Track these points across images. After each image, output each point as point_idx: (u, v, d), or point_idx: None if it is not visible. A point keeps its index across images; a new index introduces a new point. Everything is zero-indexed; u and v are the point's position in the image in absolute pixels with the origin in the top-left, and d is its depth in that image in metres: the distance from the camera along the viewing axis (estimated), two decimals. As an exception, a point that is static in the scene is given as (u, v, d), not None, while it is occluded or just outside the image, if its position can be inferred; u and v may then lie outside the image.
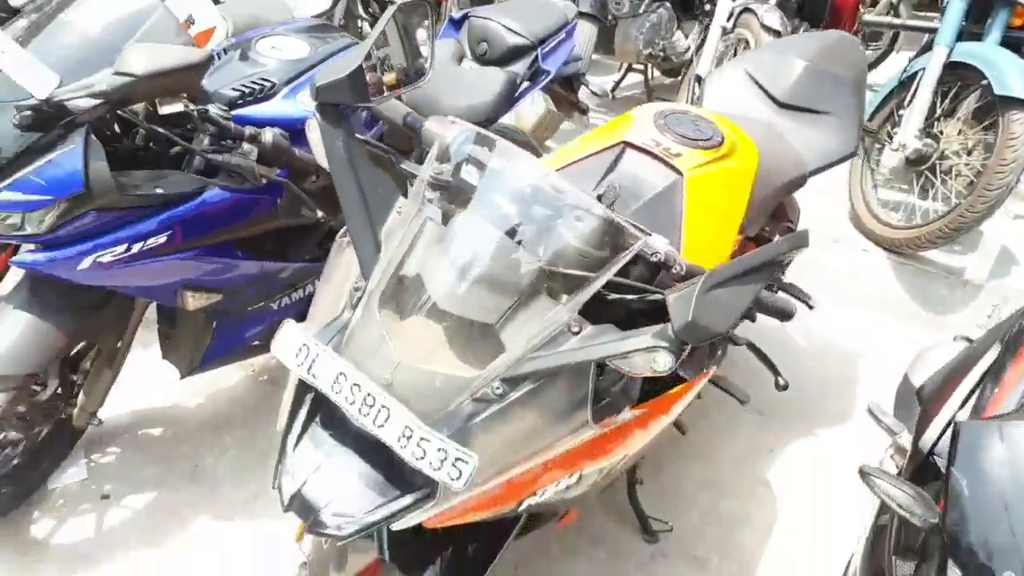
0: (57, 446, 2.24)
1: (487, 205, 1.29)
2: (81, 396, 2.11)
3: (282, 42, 2.12)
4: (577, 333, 1.23)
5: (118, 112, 1.81)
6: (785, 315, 1.49)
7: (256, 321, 2.23)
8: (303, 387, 1.34)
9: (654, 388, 1.55)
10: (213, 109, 1.83)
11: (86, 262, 1.76)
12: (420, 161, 1.41)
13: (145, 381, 2.54)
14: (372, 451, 1.28)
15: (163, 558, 2.10)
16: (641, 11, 4.50)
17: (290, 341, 1.23)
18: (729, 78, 2.34)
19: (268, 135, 1.87)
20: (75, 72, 1.66)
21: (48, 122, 1.64)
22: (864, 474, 1.22)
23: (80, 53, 1.71)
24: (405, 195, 1.40)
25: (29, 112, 1.60)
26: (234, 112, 1.91)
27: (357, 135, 1.41)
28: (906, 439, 1.88)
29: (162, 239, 1.82)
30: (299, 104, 2.02)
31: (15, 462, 2.14)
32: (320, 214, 2.04)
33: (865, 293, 3.36)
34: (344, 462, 1.29)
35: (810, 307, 1.94)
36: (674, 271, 1.31)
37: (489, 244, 1.26)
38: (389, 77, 1.49)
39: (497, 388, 1.21)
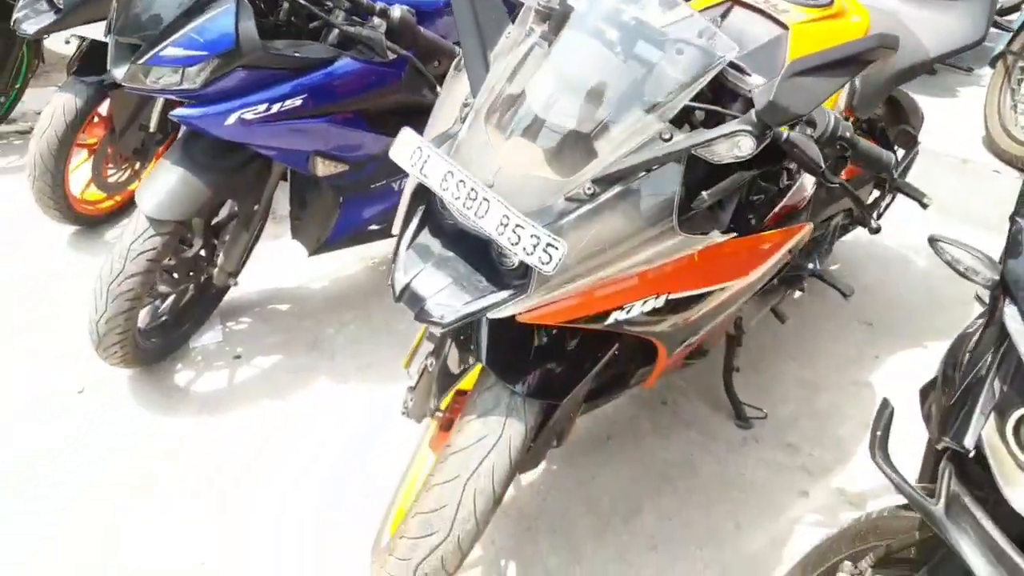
0: (199, 309, 2.49)
1: (592, 22, 1.38)
2: (221, 257, 2.35)
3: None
4: (668, 140, 1.31)
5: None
6: (880, 164, 1.50)
7: (378, 200, 2.41)
8: (417, 197, 1.47)
9: None
10: None
11: (232, 118, 1.96)
12: None
13: (275, 264, 2.78)
14: (473, 255, 1.41)
15: (288, 411, 2.30)
16: None
17: (406, 145, 1.37)
18: None
19: (397, 11, 2.02)
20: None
21: (208, -12, 1.85)
22: (932, 240, 1.26)
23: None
24: (513, 22, 1.52)
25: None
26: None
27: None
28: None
29: (297, 102, 2.00)
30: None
31: (163, 318, 2.41)
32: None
33: (989, 214, 3.25)
34: (448, 262, 1.41)
35: (924, 205, 1.92)
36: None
37: (594, 59, 1.36)
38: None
39: (588, 188, 1.29)
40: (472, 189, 1.28)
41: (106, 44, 2.06)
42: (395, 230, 1.49)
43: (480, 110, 1.40)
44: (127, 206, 3.09)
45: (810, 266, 2.20)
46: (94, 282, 2.10)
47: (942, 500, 1.21)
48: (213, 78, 1.91)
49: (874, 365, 2.59)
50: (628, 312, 1.45)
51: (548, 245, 1.23)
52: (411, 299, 1.39)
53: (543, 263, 1.24)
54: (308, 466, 2.14)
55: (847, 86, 1.95)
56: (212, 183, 2.09)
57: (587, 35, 1.38)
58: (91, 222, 3.00)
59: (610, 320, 1.45)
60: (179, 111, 1.96)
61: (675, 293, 1.49)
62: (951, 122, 3.65)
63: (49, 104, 2.65)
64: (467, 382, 1.71)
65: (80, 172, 2.88)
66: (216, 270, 2.35)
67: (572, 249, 1.26)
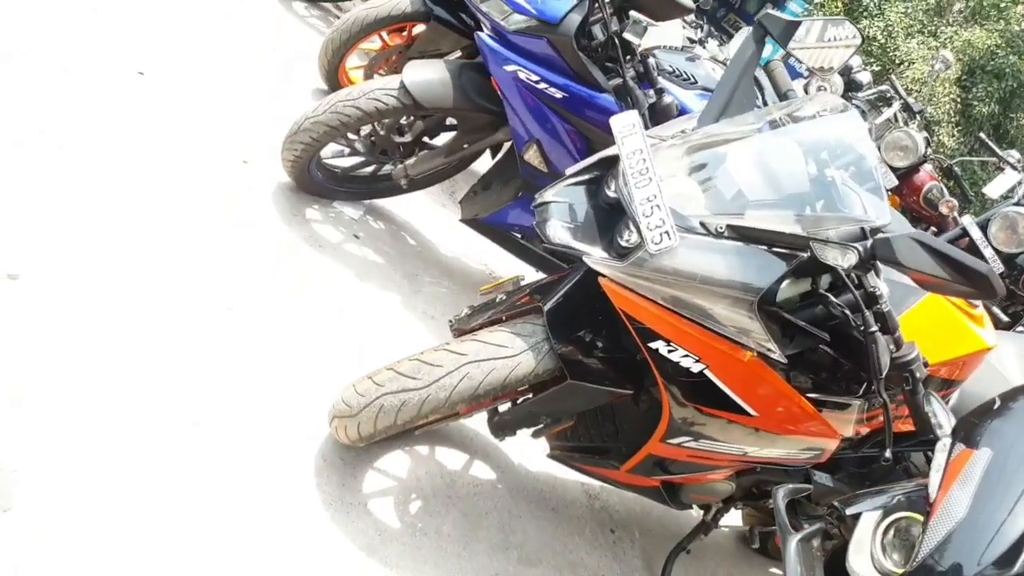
0: (363, 186, 2.87)
1: (806, 135, 1.70)
2: (412, 159, 2.73)
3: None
4: None
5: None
6: (925, 426, 1.62)
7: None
8: (601, 163, 1.78)
9: None
10: (652, 59, 2.46)
11: (511, 67, 2.40)
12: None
13: (432, 208, 3.16)
14: (604, 224, 1.69)
15: (367, 298, 2.60)
16: None
17: (627, 118, 1.69)
18: None
19: (667, 99, 2.44)
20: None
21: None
22: None
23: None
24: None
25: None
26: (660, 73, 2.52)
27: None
28: None
29: (558, 95, 2.42)
30: (699, 105, 2.59)
31: (338, 170, 2.79)
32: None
33: None
34: (583, 210, 1.70)
35: None
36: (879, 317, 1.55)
37: (790, 156, 1.67)
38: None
39: (721, 227, 1.57)
40: (647, 167, 1.58)
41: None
42: (568, 171, 1.80)
43: (689, 141, 1.73)
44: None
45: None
46: (329, 94, 2.52)
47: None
48: (525, 32, 2.36)
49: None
50: (670, 351, 1.66)
51: (666, 233, 1.51)
52: (542, 211, 1.68)
53: (654, 243, 1.51)
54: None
55: None
56: (459, 100, 2.50)
57: (796, 141, 1.70)
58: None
59: (655, 344, 1.67)
60: (483, 34, 2.42)
61: (711, 372, 1.69)
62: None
63: (388, -1, 3.22)
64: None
65: (362, 55, 3.41)
66: (401, 167, 2.73)
67: (677, 255, 1.52)
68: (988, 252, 3.63)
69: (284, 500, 1.82)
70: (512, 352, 1.73)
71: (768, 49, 1.94)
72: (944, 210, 4.57)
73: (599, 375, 1.79)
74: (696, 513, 2.48)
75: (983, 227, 3.68)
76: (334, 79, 3.39)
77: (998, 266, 3.62)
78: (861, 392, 1.79)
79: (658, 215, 1.52)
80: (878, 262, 1.49)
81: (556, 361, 1.75)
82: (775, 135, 1.72)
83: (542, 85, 2.41)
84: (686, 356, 1.67)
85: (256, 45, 3.48)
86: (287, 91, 3.32)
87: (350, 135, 2.54)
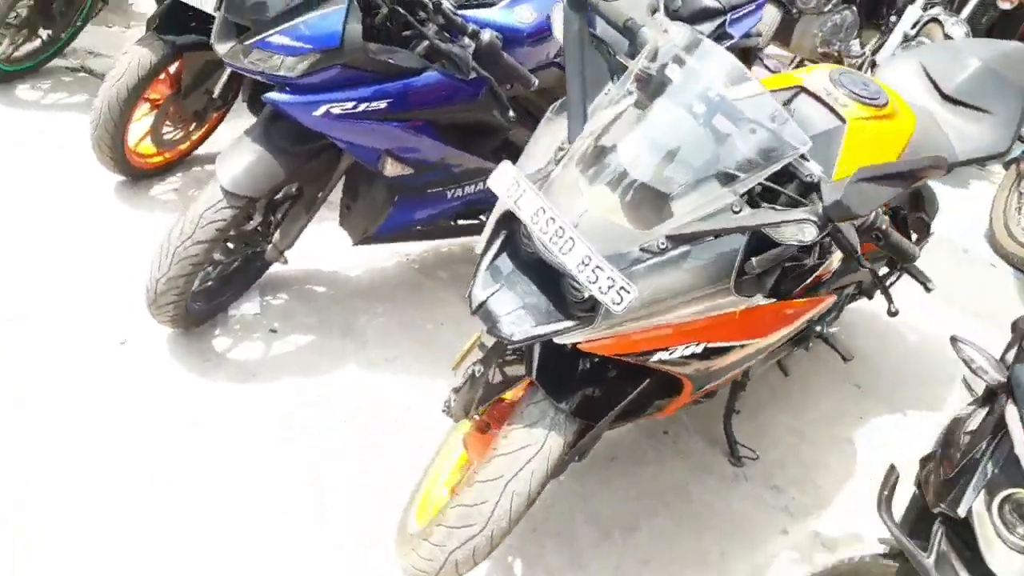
0: (242, 278, 2.61)
1: (683, 95, 1.55)
2: (277, 234, 2.48)
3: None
4: (737, 212, 1.47)
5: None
6: (905, 256, 1.67)
7: (430, 204, 2.56)
8: (502, 223, 1.63)
9: None
10: (446, 3, 2.15)
11: (320, 110, 2.10)
12: (632, 57, 1.68)
13: (317, 247, 2.89)
14: (545, 282, 1.58)
15: (321, 388, 2.44)
16: (827, 9, 4.70)
17: (505, 177, 1.51)
18: (902, 64, 2.54)
19: (487, 35, 2.17)
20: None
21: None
22: (954, 340, 1.48)
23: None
24: (613, 81, 1.68)
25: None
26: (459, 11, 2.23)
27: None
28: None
29: (382, 104, 2.15)
30: (515, 16, 2.33)
31: (209, 283, 2.52)
32: (512, 114, 2.34)
33: (980, 303, 3.49)
34: (522, 286, 1.59)
35: (928, 289, 2.08)
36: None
37: (680, 127, 1.52)
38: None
39: (662, 243, 1.46)
40: (560, 227, 1.44)
41: (186, 6, 2.23)
42: (478, 250, 1.64)
43: (574, 156, 1.56)
44: (175, 163, 3.20)
45: (819, 329, 2.39)
46: (161, 241, 2.22)
47: (933, 555, 1.44)
48: (311, 70, 2.05)
49: (857, 424, 2.79)
50: (671, 354, 1.63)
51: (622, 288, 1.40)
52: (486, 315, 1.55)
53: (615, 303, 1.41)
54: (335, 440, 2.28)
55: None
56: (288, 166, 2.23)
57: (678, 105, 1.54)
58: (137, 175, 3.09)
59: (655, 357, 1.62)
60: (272, 95, 2.10)
61: (712, 343, 1.67)
62: (958, 211, 3.89)
63: (125, 55, 2.76)
64: (511, 393, 1.87)
65: (139, 125, 2.97)
66: (270, 246, 2.48)
67: (640, 294, 1.42)
68: None
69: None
70: (537, 445, 1.66)
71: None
72: None
73: (617, 398, 1.75)
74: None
75: None
76: (125, 165, 2.98)
77: None
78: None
79: (603, 275, 1.41)
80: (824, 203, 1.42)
81: (577, 421, 1.70)
82: (656, 111, 1.55)
83: (361, 107, 2.13)
84: (686, 347, 1.63)
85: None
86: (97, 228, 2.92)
87: (205, 264, 2.27)
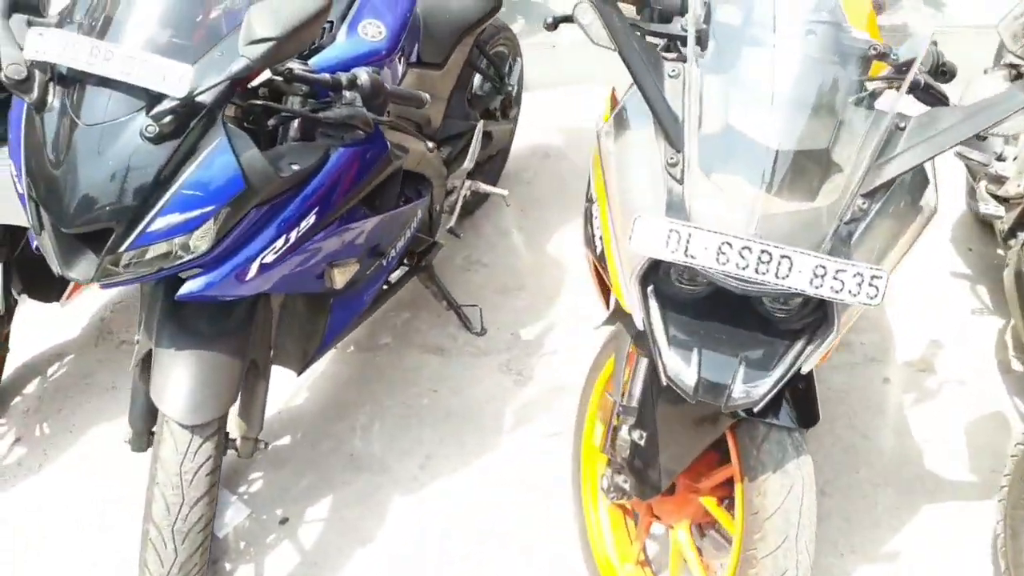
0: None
1: (766, 32, 1.28)
2: (239, 423, 1.92)
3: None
4: (903, 128, 1.27)
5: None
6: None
7: (370, 284, 2.09)
8: (644, 280, 1.30)
9: None
10: (297, 67, 1.64)
11: (253, 268, 1.58)
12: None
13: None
14: (726, 317, 1.31)
15: (376, 553, 2.02)
16: None
17: (655, 232, 1.18)
18: None
19: (364, 75, 1.68)
20: (178, 54, 1.43)
21: (181, 125, 1.42)
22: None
23: (171, 30, 1.47)
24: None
25: (168, 117, 1.38)
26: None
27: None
28: (1001, 167, 2.11)
29: (312, 219, 1.65)
30: (366, 40, 1.85)
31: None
32: (430, 144, 1.91)
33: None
34: (715, 335, 1.30)
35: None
36: None
37: (788, 67, 1.26)
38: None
39: (863, 204, 1.24)
40: (763, 251, 1.17)
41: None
42: (639, 325, 1.31)
43: (692, 161, 1.25)
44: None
45: None
46: (144, 530, 1.64)
47: None
48: (224, 232, 1.50)
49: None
50: None
51: (872, 278, 1.17)
52: (712, 391, 1.27)
53: (871, 298, 1.17)
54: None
55: None
56: (232, 351, 1.69)
57: (768, 46, 1.28)
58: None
59: None
60: (187, 289, 1.53)
61: None
62: None
63: None
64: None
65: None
66: (239, 440, 1.92)
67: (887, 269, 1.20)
68: None
69: None
70: (798, 478, 1.40)
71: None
72: None
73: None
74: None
75: None
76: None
77: None
78: None
79: (847, 276, 1.16)
80: None
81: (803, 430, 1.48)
82: (746, 65, 1.27)
83: (292, 236, 1.62)
84: None
85: None
86: None
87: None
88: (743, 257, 1.17)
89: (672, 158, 1.27)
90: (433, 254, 2.46)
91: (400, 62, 2.04)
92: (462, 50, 2.43)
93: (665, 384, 1.31)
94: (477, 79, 2.71)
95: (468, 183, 2.62)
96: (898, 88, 1.26)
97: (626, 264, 1.31)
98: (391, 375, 2.46)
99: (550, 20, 1.83)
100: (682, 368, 1.26)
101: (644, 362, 1.53)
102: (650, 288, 1.30)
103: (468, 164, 2.53)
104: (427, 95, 1.85)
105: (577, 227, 2.91)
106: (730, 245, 1.17)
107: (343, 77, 1.67)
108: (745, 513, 1.43)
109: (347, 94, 1.69)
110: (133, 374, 1.76)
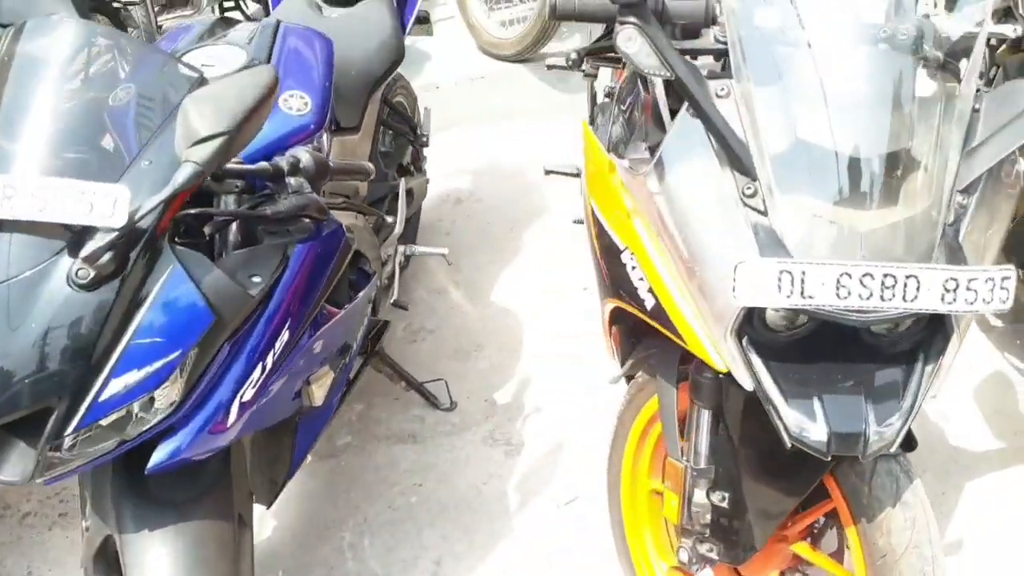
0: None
1: (815, 28, 1.15)
2: None
3: (210, 55, 1.62)
4: (978, 110, 1.17)
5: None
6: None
7: (340, 383, 1.80)
8: (739, 333, 1.13)
9: None
10: (231, 164, 1.37)
11: (232, 413, 1.29)
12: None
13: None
14: (843, 360, 1.16)
15: None
16: None
17: (761, 277, 1.02)
18: None
19: (304, 155, 1.43)
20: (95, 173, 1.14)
21: (121, 259, 1.12)
22: None
23: (75, 143, 1.16)
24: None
25: (107, 254, 1.08)
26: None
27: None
28: None
29: (285, 336, 1.37)
30: (288, 112, 1.59)
31: None
32: (390, 219, 1.67)
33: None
34: (835, 384, 1.14)
35: None
36: None
37: (854, 65, 1.15)
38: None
39: (962, 200, 1.14)
40: (886, 275, 1.02)
41: None
42: (746, 385, 1.13)
43: (775, 186, 1.10)
44: None
45: None
46: None
47: None
48: (195, 377, 1.21)
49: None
50: None
51: (1003, 279, 1.05)
52: (846, 443, 1.11)
53: (1003, 302, 1.06)
54: None
55: None
56: (218, 513, 1.38)
57: (822, 43, 1.15)
58: None
59: None
60: (156, 460, 1.22)
61: None
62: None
63: None
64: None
65: None
66: None
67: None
68: None
69: None
70: (918, 503, 1.28)
71: None
72: None
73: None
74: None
75: None
76: None
77: None
78: None
79: (980, 284, 1.04)
80: None
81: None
82: (799, 67, 1.13)
83: (269, 362, 1.34)
84: None
85: None
86: None
87: None
88: (864, 286, 1.02)
89: (748, 188, 1.11)
90: (385, 335, 2.20)
91: (326, 133, 1.79)
92: (372, 108, 2.19)
93: (741, 435, 1.15)
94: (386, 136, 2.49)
95: (401, 248, 2.38)
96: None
97: (715, 318, 1.13)
98: (364, 478, 2.18)
99: (574, 56, 1.63)
100: (806, 424, 1.10)
101: (705, 415, 1.36)
102: (745, 340, 1.13)
103: (399, 229, 2.29)
104: (371, 165, 1.62)
105: (516, 268, 2.75)
106: (849, 276, 1.02)
107: (283, 162, 1.42)
108: (870, 558, 1.28)
109: (291, 181, 1.43)
110: (85, 570, 1.41)
